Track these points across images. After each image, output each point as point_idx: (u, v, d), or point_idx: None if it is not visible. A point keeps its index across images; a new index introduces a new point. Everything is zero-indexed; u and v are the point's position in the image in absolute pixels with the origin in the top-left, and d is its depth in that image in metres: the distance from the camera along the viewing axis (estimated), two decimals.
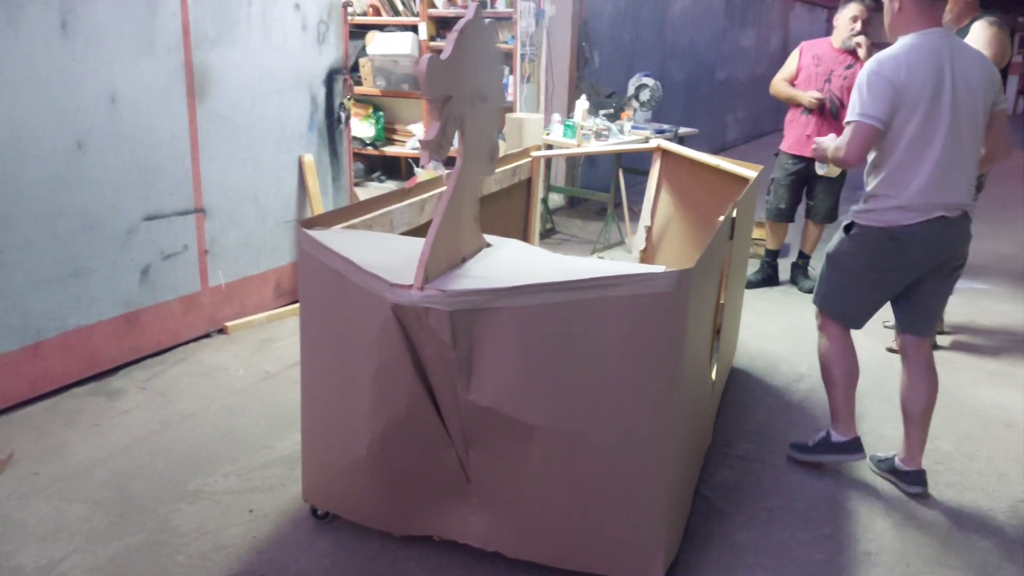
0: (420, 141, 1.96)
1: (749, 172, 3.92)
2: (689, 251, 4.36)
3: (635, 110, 6.70)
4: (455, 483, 2.41)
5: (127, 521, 2.72)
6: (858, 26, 4.98)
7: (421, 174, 7.10)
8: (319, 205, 4.63)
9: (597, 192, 6.85)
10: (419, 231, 3.19)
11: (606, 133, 5.91)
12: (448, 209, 2.07)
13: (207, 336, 4.19)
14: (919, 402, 3.04)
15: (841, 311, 3.09)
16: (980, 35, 4.06)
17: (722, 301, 3.37)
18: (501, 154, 6.78)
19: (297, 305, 4.65)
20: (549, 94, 7.18)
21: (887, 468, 3.13)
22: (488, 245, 2.50)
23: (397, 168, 8.22)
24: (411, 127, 7.85)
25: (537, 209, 4.43)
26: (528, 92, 6.99)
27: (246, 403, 3.57)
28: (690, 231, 4.39)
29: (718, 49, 10.95)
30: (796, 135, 5.20)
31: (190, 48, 3.83)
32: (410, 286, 2.00)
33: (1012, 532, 2.82)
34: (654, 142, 4.51)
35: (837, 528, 2.81)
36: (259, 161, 4.31)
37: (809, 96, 5.00)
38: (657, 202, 4.48)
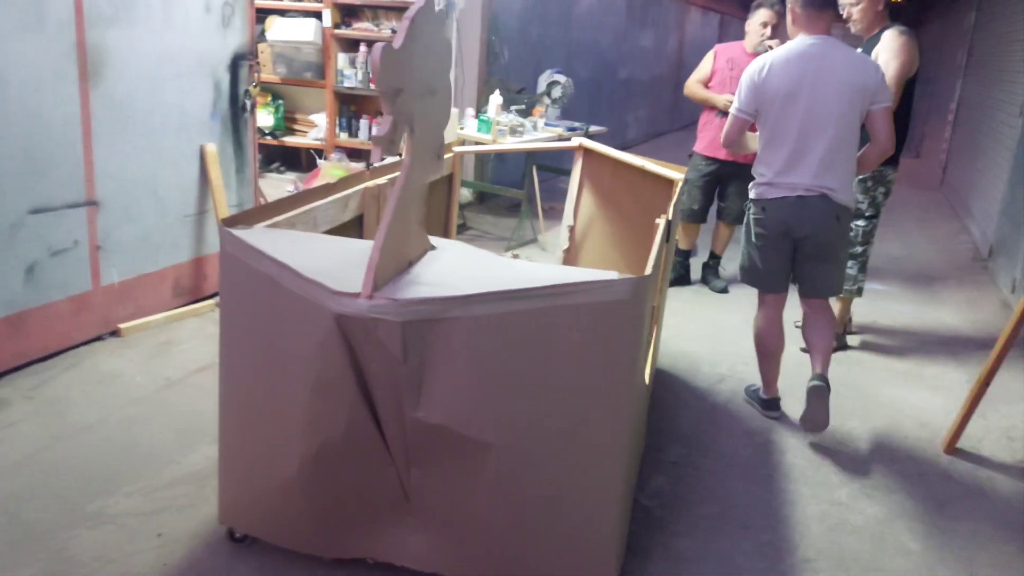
0: (372, 137, 1.79)
1: (674, 174, 3.89)
2: (611, 252, 4.31)
3: (547, 107, 6.63)
4: (392, 503, 2.25)
5: (19, 550, 2.44)
6: (768, 31, 5.04)
7: (324, 166, 6.83)
8: (222, 198, 4.34)
9: (509, 188, 6.75)
10: (342, 229, 3.00)
11: (521, 129, 5.82)
12: (396, 210, 1.91)
13: (99, 339, 3.85)
14: (819, 335, 3.55)
15: (750, 277, 3.62)
16: (890, 43, 4.16)
17: (655, 304, 3.32)
18: None
19: (197, 305, 4.38)
20: (459, 88, 7.03)
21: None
22: (433, 248, 2.35)
23: (297, 159, 7.90)
24: (313, 117, 7.55)
25: (456, 206, 4.28)
26: None
27: (147, 413, 3.29)
28: (612, 232, 4.34)
29: (619, 48, 11.03)
30: (710, 137, 5.22)
31: (83, 26, 3.50)
32: (356, 294, 1.83)
33: (940, 535, 2.86)
34: (576, 140, 4.44)
35: (776, 535, 2.79)
36: (158, 150, 4.00)
37: (724, 99, 5.02)
38: (579, 201, 4.40)
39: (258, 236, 2.17)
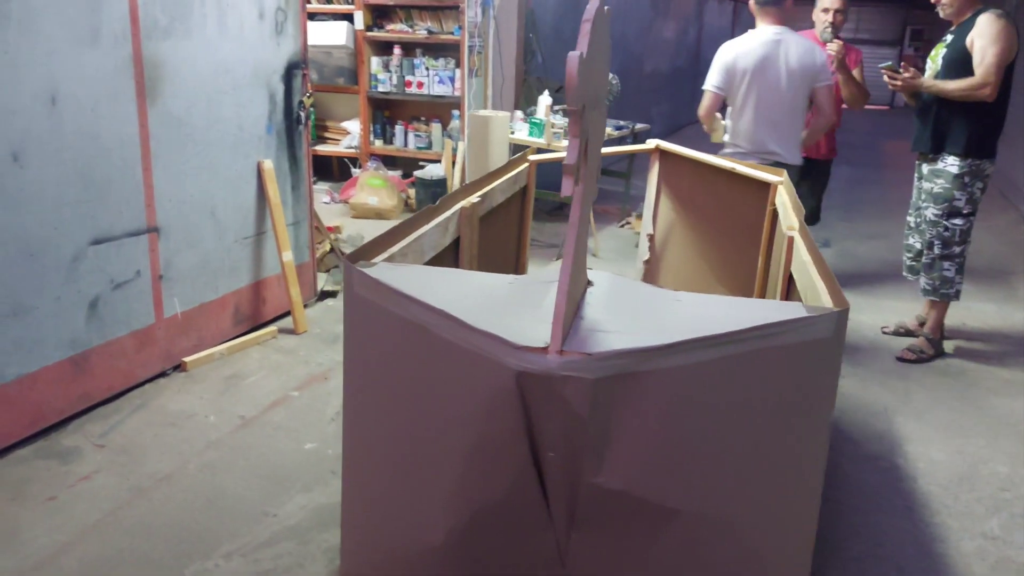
0: (564, 166, 1.52)
1: (770, 177, 3.63)
2: (699, 262, 4.05)
3: None
4: (545, 568, 1.99)
5: None
6: (829, 17, 4.69)
7: (362, 176, 6.57)
8: (281, 217, 4.08)
9: (553, 192, 6.48)
10: (442, 255, 2.74)
11: None
12: (577, 245, 1.66)
13: (163, 375, 3.59)
14: None
15: None
16: (987, 29, 3.89)
17: None
18: (460, 158, 6.34)
19: (259, 333, 4.11)
20: (498, 89, 6.76)
21: None
22: (590, 282, 2.09)
23: (328, 168, 7.64)
24: (345, 124, 7.30)
25: (530, 222, 4.02)
26: (476, 87, 6.57)
27: (228, 458, 3.03)
28: (696, 240, 4.08)
29: (645, 41, 10.75)
30: None
31: (139, 38, 3.24)
32: (543, 349, 1.57)
33: None
34: (652, 142, 4.18)
35: None
36: (216, 169, 3.74)
37: None
38: (657, 208, 4.14)
39: (391, 275, 1.91)
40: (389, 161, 7.01)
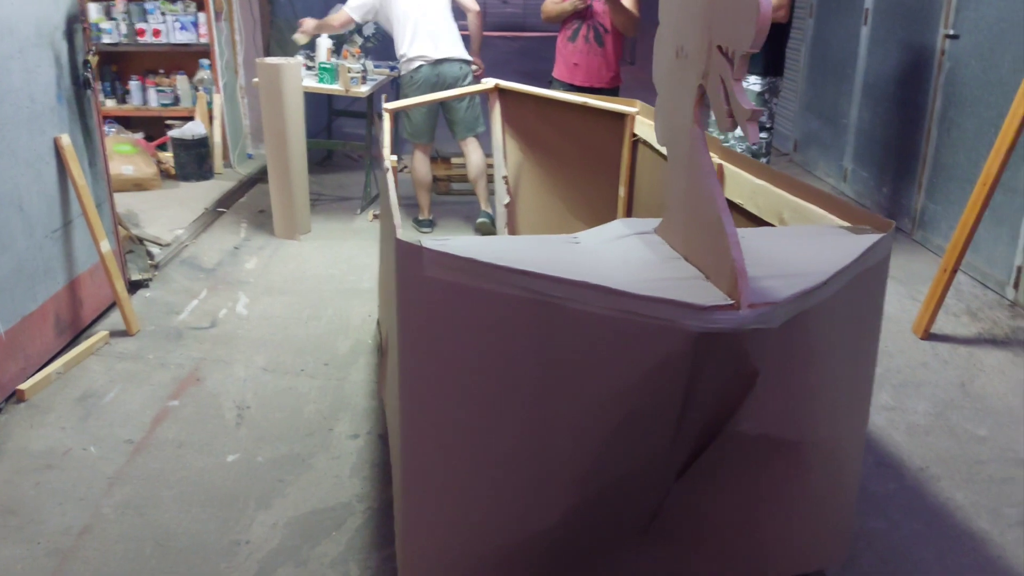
0: (753, 111, 1.42)
1: (625, 108, 3.71)
2: (553, 200, 4.06)
3: (360, 47, 6.02)
4: (633, 528, 1.95)
5: None
6: None
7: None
8: (90, 201, 3.43)
9: (346, 142, 6.12)
10: None
11: (366, 75, 5.23)
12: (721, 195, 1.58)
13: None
14: (475, 170, 5.02)
15: (412, 135, 4.96)
16: None
17: None
18: (219, 112, 5.67)
19: (90, 342, 3.45)
20: (250, 33, 6.16)
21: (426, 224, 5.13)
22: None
23: None
24: None
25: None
26: (224, 32, 5.94)
27: (146, 492, 2.57)
28: (547, 177, 4.07)
29: None
30: (563, 61, 5.04)
31: None
32: (730, 306, 1.49)
33: (991, 416, 3.09)
34: (491, 81, 4.07)
35: (878, 454, 2.86)
36: (15, 152, 3.04)
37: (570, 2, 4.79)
38: (505, 149, 4.07)
39: (471, 250, 1.69)
40: (126, 122, 6.14)
